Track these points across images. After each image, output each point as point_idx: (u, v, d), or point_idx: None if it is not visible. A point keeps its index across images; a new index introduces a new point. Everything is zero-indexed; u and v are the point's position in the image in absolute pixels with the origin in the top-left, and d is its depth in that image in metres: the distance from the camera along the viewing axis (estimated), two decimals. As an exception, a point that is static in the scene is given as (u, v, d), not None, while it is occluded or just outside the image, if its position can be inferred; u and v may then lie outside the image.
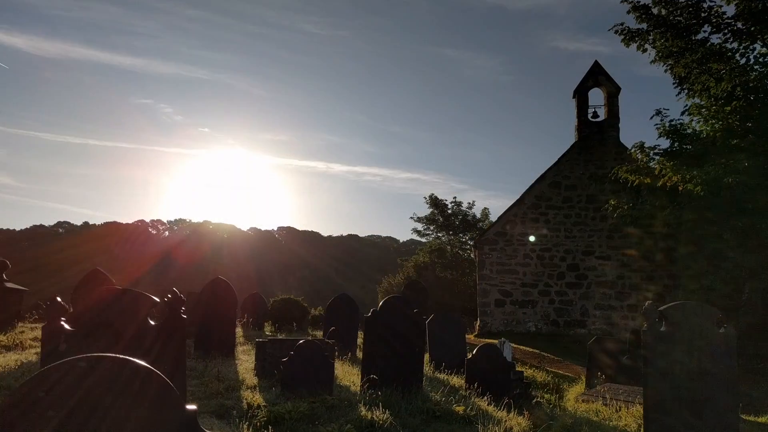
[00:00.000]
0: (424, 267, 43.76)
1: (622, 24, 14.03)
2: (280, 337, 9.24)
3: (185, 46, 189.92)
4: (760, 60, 13.06)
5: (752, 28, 12.87)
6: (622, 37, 14.06)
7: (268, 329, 18.36)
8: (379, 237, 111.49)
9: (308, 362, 6.76)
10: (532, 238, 17.45)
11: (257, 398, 6.52)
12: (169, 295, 3.82)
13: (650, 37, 13.65)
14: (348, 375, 8.10)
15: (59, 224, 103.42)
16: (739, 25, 13.09)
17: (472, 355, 7.78)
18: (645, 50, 14.07)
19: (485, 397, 7.04)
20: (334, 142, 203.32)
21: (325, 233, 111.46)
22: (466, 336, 19.55)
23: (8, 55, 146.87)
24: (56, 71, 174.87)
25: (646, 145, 13.80)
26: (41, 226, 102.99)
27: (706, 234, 13.25)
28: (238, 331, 16.48)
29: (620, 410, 7.43)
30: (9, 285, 12.62)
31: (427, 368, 10.26)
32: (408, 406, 6.22)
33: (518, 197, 18.08)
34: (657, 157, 13.65)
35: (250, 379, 7.60)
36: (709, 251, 13.54)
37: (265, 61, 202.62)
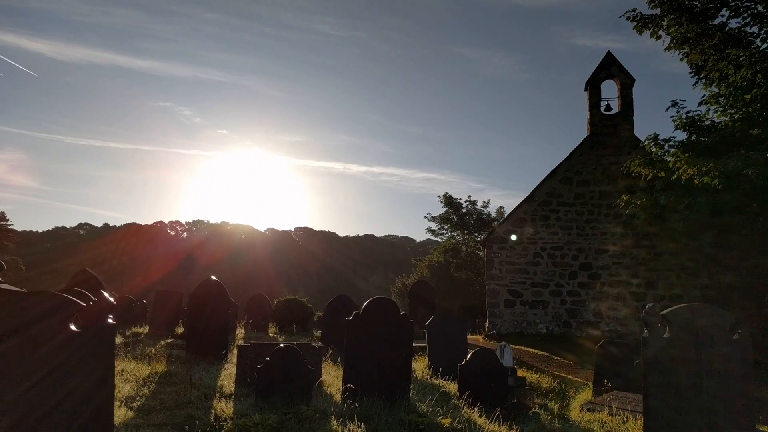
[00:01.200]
0: (438, 267, 43.18)
1: (634, 10, 13.33)
2: (263, 341, 8.80)
3: (203, 48, 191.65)
4: (783, 45, 12.26)
5: (773, 12, 12.09)
6: (635, 23, 13.36)
7: (272, 331, 18.00)
8: (395, 237, 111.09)
9: (285, 369, 6.30)
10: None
11: (228, 409, 6.09)
12: (95, 299, 3.39)
13: (664, 23, 12.93)
14: (339, 381, 7.64)
15: (80, 226, 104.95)
16: (760, 8, 12.30)
17: (466, 360, 7.25)
18: (659, 37, 13.34)
19: (476, 408, 6.51)
20: (351, 142, 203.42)
21: (341, 233, 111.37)
22: (476, 338, 19.00)
23: (32, 60, 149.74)
24: (78, 76, 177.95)
25: (660, 137, 13.08)
26: (63, 228, 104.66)
27: (730, 231, 12.51)
28: (240, 332, 16.16)
29: (627, 421, 6.83)
30: (4, 287, 12.44)
31: (425, 373, 9.76)
32: (389, 418, 5.72)
33: (528, 194, 17.43)
34: (672, 150, 12.93)
35: (228, 386, 7.18)
36: (731, 250, 12.79)
37: (282, 62, 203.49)
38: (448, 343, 10.59)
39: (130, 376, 7.64)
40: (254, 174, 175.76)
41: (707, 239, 13.77)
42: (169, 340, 12.99)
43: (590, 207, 16.91)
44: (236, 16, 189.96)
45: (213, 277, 11.39)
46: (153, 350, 10.98)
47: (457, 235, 44.76)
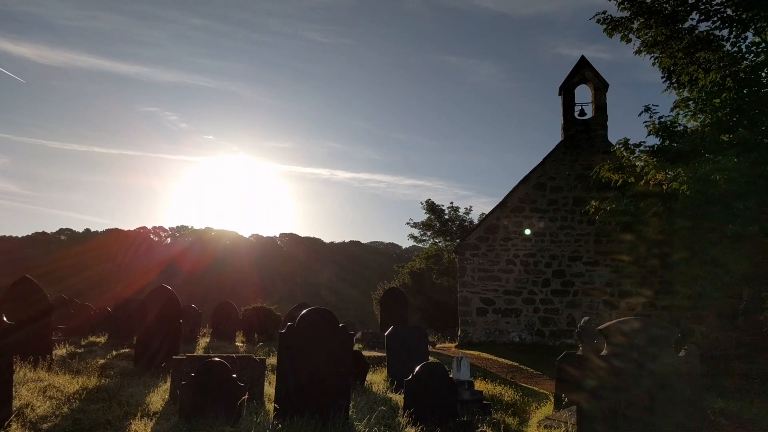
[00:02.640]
0: (419, 273, 42.74)
1: (604, 12, 13.08)
2: (221, 353, 8.31)
3: (190, 54, 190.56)
4: (753, 49, 12.06)
5: (743, 15, 11.88)
6: (605, 26, 13.10)
7: (239, 339, 17.46)
8: (381, 243, 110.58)
9: (212, 386, 5.83)
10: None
11: (146, 430, 5.60)
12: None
13: (634, 26, 12.69)
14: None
15: (61, 231, 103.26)
16: (729, 11, 12.10)
17: (413, 374, 6.81)
18: (629, 40, 13.09)
19: (418, 426, 6.07)
20: (338, 149, 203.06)
21: (327, 240, 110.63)
22: (449, 346, 18.56)
23: (16, 64, 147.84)
24: (62, 80, 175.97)
25: (631, 142, 12.80)
26: (43, 233, 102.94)
27: (700, 240, 12.23)
28: (203, 342, 15.59)
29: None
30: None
31: (382, 386, 9.33)
32: (318, 439, 5.28)
33: (501, 199, 17.10)
34: (643, 155, 12.66)
35: (157, 404, 6.67)
36: (702, 257, 12.50)
37: (270, 68, 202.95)
38: (408, 354, 10.16)
39: (57, 393, 7.11)
40: (241, 180, 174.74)
41: (678, 246, 13.53)
42: (123, 351, 12.43)
43: (563, 213, 16.61)
44: (224, 23, 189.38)
45: (165, 285, 10.89)
46: (98, 362, 10.42)
47: (440, 242, 44.45)
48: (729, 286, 12.33)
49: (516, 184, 17.04)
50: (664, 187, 10.94)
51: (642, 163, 11.31)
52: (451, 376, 7.38)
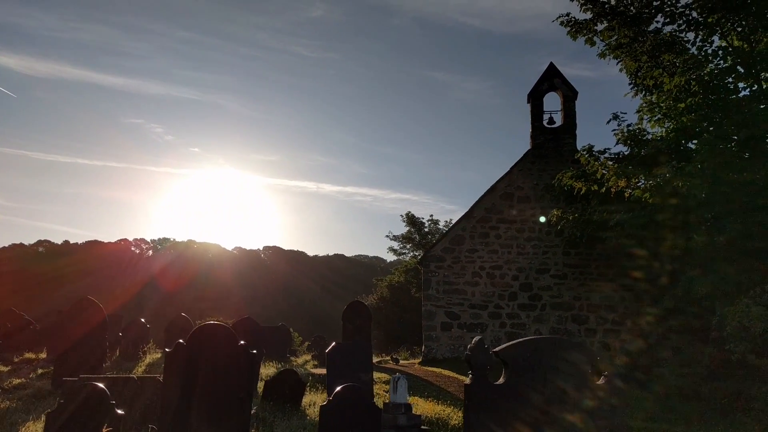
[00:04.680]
0: (398, 287, 41.93)
1: (568, 14, 12.60)
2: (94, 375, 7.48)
3: (177, 67, 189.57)
4: (719, 53, 11.60)
5: (709, 19, 11.43)
6: (569, 29, 12.63)
7: (192, 356, 16.53)
8: (366, 257, 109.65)
9: (85, 415, 5.03)
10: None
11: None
12: None
13: (597, 28, 12.21)
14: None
15: (39, 243, 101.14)
16: (695, 14, 11.65)
17: (329, 399, 6.04)
18: (594, 43, 12.63)
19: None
20: (325, 162, 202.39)
21: (311, 253, 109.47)
22: (412, 362, 17.74)
23: (1, 75, 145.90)
24: (47, 91, 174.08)
25: (595, 149, 12.27)
26: (21, 244, 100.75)
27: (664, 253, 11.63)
28: (150, 358, 14.65)
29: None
30: None
31: (315, 411, 8.56)
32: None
33: (467, 209, 16.46)
34: (609, 163, 12.11)
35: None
36: (669, 269, 11.89)
37: (257, 82, 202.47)
38: (352, 372, 9.37)
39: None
40: (227, 193, 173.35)
41: (648, 258, 12.92)
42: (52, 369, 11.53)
43: (531, 224, 15.99)
44: (210, 36, 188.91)
45: (90, 297, 10.06)
46: (12, 382, 9.54)
47: (419, 255, 43.75)
48: (697, 301, 11.71)
49: (482, 194, 16.43)
50: (626, 194, 10.36)
51: (600, 168, 10.72)
52: (387, 398, 6.66)
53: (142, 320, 15.73)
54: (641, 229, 10.46)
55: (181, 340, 5.26)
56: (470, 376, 3.33)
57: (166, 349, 5.30)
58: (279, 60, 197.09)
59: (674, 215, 9.98)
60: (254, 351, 5.47)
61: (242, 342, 5.39)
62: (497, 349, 3.33)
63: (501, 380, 3.30)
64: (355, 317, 17.03)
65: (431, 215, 60.99)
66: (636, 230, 10.70)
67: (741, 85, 11.57)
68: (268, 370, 12.50)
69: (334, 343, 9.82)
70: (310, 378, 11.74)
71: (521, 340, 3.38)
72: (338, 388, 6.37)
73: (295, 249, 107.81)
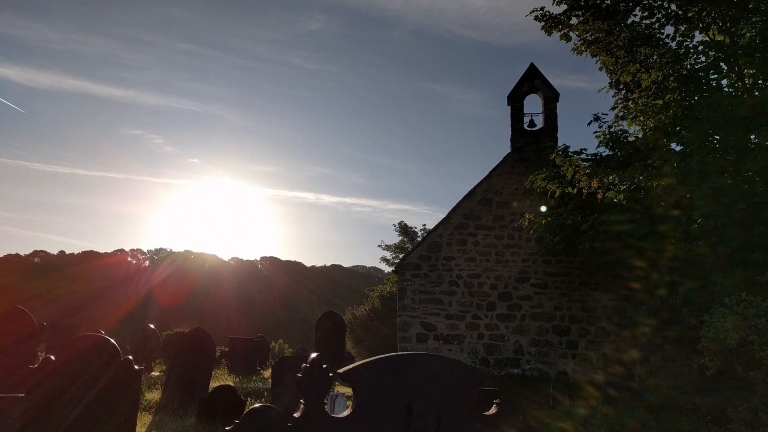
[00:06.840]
0: (390, 297, 41.16)
1: (542, 9, 11.96)
2: None
3: (176, 78, 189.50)
4: (701, 49, 10.94)
5: (689, 13, 10.79)
6: (543, 23, 11.97)
7: (157, 369, 15.84)
8: (363, 267, 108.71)
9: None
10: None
11: None
12: None
13: (572, 22, 11.58)
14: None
15: (35, 253, 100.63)
16: (674, 6, 11.01)
17: (235, 423, 5.31)
18: (569, 38, 11.97)
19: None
20: (324, 173, 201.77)
21: (309, 263, 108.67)
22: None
23: (1, 86, 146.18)
24: (47, 102, 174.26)
25: (570, 150, 11.59)
26: (16, 255, 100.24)
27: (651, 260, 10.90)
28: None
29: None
30: None
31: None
32: None
33: (445, 215, 15.76)
34: (584, 164, 11.43)
35: None
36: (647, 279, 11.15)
37: (256, 93, 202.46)
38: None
39: None
40: (225, 203, 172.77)
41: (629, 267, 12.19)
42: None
43: (510, 231, 15.28)
44: (210, 48, 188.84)
45: (19, 306, 9.37)
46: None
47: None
48: (679, 310, 10.93)
49: (459, 199, 15.74)
50: (599, 196, 9.67)
51: (571, 169, 10.02)
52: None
53: (101, 332, 15.01)
54: (641, 239, 9.67)
55: (51, 356, 4.57)
56: (302, 405, 2.62)
57: (31, 366, 4.63)
58: (278, 72, 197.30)
59: (675, 226, 9.20)
60: (139, 368, 4.76)
61: (128, 357, 4.69)
62: (343, 370, 2.62)
63: (347, 411, 2.59)
64: (330, 325, 16.54)
65: (424, 225, 60.24)
66: (633, 240, 9.96)
67: (724, 82, 10.92)
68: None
69: (281, 357, 9.13)
70: (266, 393, 11.03)
71: (377, 357, 2.67)
72: (255, 406, 5.67)
73: (292, 259, 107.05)
